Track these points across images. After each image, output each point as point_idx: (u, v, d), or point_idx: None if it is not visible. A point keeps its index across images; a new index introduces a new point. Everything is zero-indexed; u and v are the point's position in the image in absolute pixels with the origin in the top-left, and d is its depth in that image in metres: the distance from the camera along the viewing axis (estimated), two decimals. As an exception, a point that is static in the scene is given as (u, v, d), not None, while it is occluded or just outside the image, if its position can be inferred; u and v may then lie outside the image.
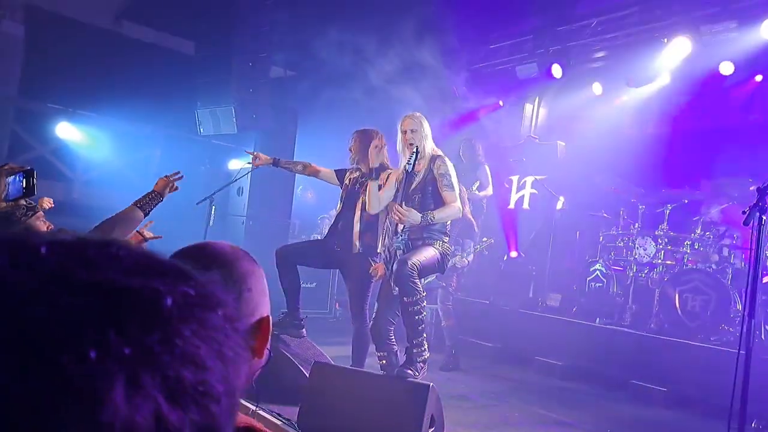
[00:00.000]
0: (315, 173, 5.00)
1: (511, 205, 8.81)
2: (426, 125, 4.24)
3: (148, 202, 3.36)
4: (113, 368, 0.42)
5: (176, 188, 3.50)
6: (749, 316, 2.58)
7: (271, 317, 1.20)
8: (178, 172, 3.50)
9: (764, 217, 2.63)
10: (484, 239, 6.27)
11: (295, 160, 5.21)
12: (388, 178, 4.47)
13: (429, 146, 4.21)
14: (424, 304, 4.05)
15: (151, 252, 0.52)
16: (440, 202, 4.14)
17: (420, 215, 3.96)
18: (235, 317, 0.52)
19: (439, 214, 4.03)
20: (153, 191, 3.41)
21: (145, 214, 3.33)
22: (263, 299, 1.20)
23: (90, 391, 0.41)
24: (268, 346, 1.17)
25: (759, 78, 7.07)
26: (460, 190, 4.45)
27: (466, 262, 6.09)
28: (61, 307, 0.42)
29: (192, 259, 1.17)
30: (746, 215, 2.67)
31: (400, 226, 4.13)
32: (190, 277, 0.50)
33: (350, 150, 4.82)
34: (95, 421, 0.40)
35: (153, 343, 0.44)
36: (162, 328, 0.45)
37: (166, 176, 3.49)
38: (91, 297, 0.44)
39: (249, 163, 6.91)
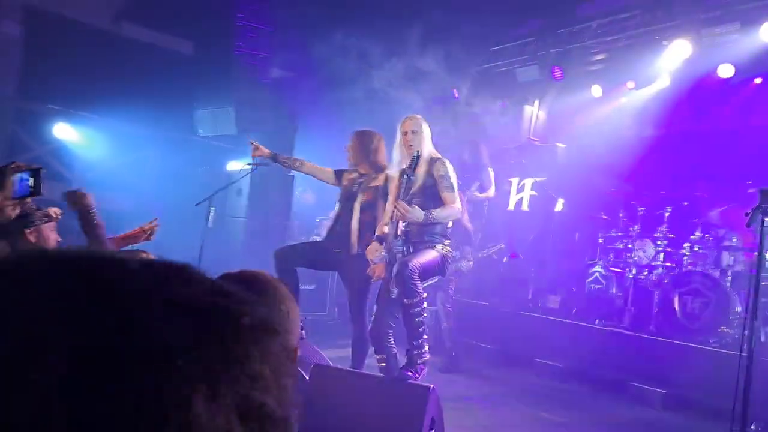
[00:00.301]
0: (313, 171, 4.96)
1: (511, 207, 8.80)
2: (426, 128, 4.24)
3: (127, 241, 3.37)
4: (196, 375, 0.44)
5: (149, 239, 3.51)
6: (752, 315, 2.58)
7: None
8: (156, 219, 3.51)
9: (767, 219, 2.62)
10: (493, 245, 6.25)
11: (294, 157, 5.18)
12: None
13: (428, 149, 4.20)
14: (425, 306, 4.04)
15: (213, 278, 0.54)
16: (440, 204, 4.13)
17: (422, 212, 3.97)
18: (290, 346, 0.56)
19: (440, 213, 4.04)
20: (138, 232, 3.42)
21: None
22: (296, 329, 1.23)
23: (175, 393, 0.43)
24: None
25: (759, 81, 7.06)
26: (459, 197, 4.46)
27: (465, 268, 6.09)
28: (152, 319, 0.46)
29: (245, 285, 1.18)
30: (749, 217, 2.66)
31: (401, 229, 4.12)
32: (255, 302, 0.53)
33: (348, 150, 4.81)
34: (179, 423, 0.43)
35: (231, 358, 0.47)
36: (238, 346, 0.48)
37: (148, 223, 3.51)
38: (183, 313, 0.47)
39: (249, 164, 6.91)
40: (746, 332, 2.73)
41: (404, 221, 4.04)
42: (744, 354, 2.75)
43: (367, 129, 4.88)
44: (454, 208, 4.11)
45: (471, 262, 6.13)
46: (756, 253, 5.35)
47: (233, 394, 0.46)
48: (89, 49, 7.66)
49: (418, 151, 4.07)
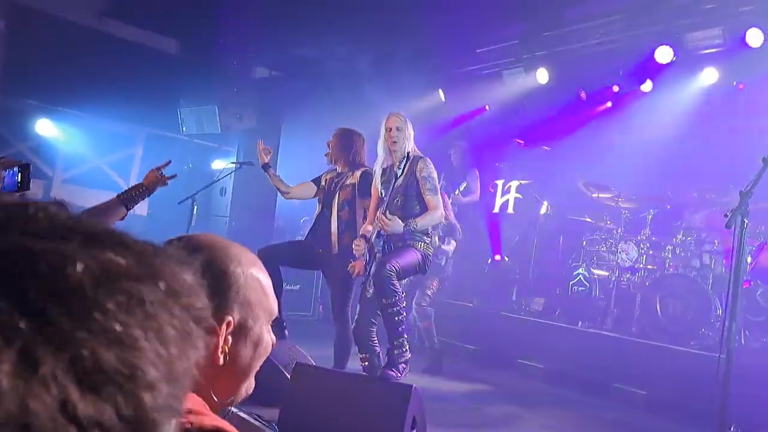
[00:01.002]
0: (298, 194, 4.96)
1: (496, 209, 8.83)
2: (410, 126, 4.23)
3: (134, 197, 3.16)
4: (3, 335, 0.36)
5: (166, 184, 3.32)
6: (730, 318, 2.59)
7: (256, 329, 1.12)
8: (169, 162, 3.31)
9: (746, 221, 2.64)
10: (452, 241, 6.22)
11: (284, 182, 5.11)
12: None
13: (410, 147, 4.18)
14: (404, 305, 4.03)
15: (82, 217, 0.45)
16: (423, 205, 4.12)
17: (402, 224, 3.94)
18: (184, 293, 0.45)
19: (421, 222, 4.02)
20: (141, 185, 3.22)
21: (128, 209, 3.18)
22: (249, 307, 1.11)
23: None
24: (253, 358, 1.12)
25: (741, 86, 7.14)
26: (442, 195, 4.45)
27: (450, 249, 6.05)
28: None
29: (181, 243, 1.12)
30: (728, 218, 2.68)
31: (383, 227, 4.11)
32: (123, 244, 0.44)
33: (328, 146, 4.79)
34: None
35: (58, 315, 0.38)
36: (73, 300, 0.39)
37: (157, 168, 3.30)
38: None
39: (233, 162, 6.86)
40: (724, 334, 2.74)
41: (385, 232, 4.02)
42: (722, 356, 2.76)
43: (352, 128, 4.86)
44: (437, 213, 4.09)
45: (452, 246, 6.12)
46: (733, 251, 5.43)
47: (70, 358, 0.37)
48: (72, 46, 7.57)
49: (408, 153, 4.06)
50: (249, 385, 1.14)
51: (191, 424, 0.88)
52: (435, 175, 4.18)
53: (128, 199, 3.09)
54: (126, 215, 3.15)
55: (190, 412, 0.89)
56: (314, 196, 4.92)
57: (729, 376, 2.75)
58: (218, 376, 1.06)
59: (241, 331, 1.09)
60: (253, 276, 1.13)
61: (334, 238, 4.59)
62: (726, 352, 2.74)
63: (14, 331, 0.36)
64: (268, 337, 1.15)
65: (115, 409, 0.38)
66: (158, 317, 0.42)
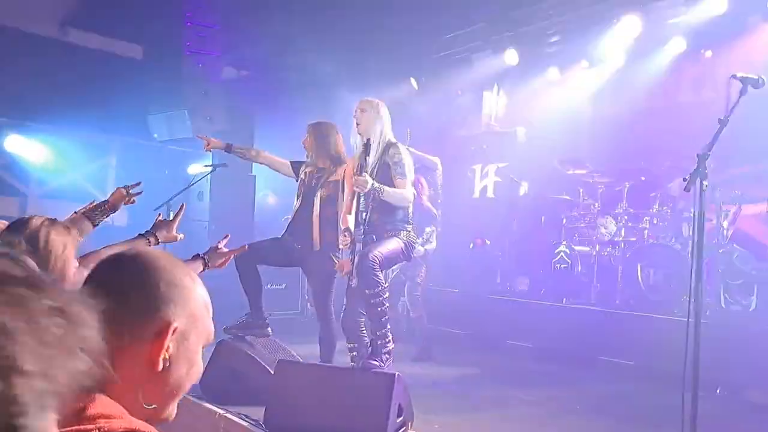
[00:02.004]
0: (270, 162, 4.86)
1: (476, 195, 8.85)
2: (382, 111, 4.19)
3: (98, 214, 3.18)
4: None
5: (133, 201, 3.31)
6: (696, 279, 2.61)
7: (175, 324, 1.09)
8: (139, 183, 3.31)
9: (705, 183, 2.66)
10: (427, 229, 6.17)
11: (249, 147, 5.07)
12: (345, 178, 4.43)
13: (379, 131, 4.15)
14: (387, 295, 4.02)
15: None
16: None
17: (371, 183, 3.92)
18: (71, 315, 0.53)
19: (390, 191, 4.00)
20: (106, 201, 3.23)
21: (94, 225, 3.17)
22: (194, 321, 1.10)
23: None
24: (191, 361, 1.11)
25: (709, 54, 7.18)
26: (417, 180, 4.44)
27: (423, 250, 5.99)
28: None
29: (132, 257, 1.13)
30: (687, 182, 2.70)
31: (363, 216, 4.11)
32: (23, 269, 0.53)
33: (305, 144, 4.74)
34: None
35: None
36: None
37: (124, 187, 3.30)
38: None
39: (207, 165, 6.80)
40: (691, 297, 2.76)
41: (360, 191, 4.01)
42: (691, 319, 2.78)
43: (323, 120, 4.82)
44: (405, 194, 4.07)
45: (434, 244, 6.11)
46: (712, 221, 5.48)
47: None
48: (36, 58, 7.47)
49: (368, 139, 4.04)
50: (172, 411, 1.13)
51: (99, 429, 0.88)
52: (407, 161, 4.15)
53: (94, 216, 3.09)
54: (90, 231, 3.14)
55: (100, 416, 0.89)
56: (289, 175, 4.84)
57: (698, 339, 2.77)
58: (151, 381, 1.05)
59: (182, 343, 1.09)
60: (202, 295, 1.16)
61: (317, 234, 4.56)
62: (695, 314, 2.75)
63: None
64: (200, 363, 1.15)
65: None
66: (40, 322, 0.50)
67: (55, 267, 2.03)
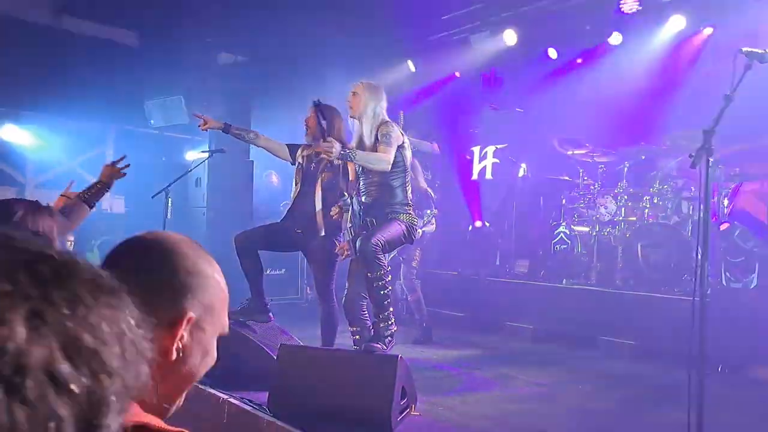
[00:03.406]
0: (268, 145, 4.80)
1: (475, 176, 8.82)
2: (377, 93, 4.15)
3: (93, 195, 3.19)
4: (18, 299, 0.48)
5: (123, 174, 3.35)
6: (702, 257, 2.60)
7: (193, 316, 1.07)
8: (124, 157, 3.36)
9: (711, 159, 2.64)
10: (428, 211, 6.15)
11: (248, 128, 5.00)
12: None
13: (371, 113, 4.11)
14: (389, 278, 4.02)
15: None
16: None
17: (340, 147, 3.87)
18: (140, 323, 0.58)
19: (361, 154, 3.96)
20: (99, 181, 3.25)
21: (91, 207, 3.18)
22: (210, 312, 1.09)
23: None
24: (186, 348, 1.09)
25: (709, 31, 7.12)
26: (413, 163, 4.39)
27: (421, 233, 5.99)
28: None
29: (150, 240, 1.11)
30: (693, 158, 2.68)
31: (364, 198, 4.11)
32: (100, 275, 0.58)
33: (306, 124, 4.68)
34: None
35: (59, 298, 0.50)
36: (69, 290, 0.52)
37: (111, 163, 3.35)
38: (19, 254, 0.52)
39: (204, 151, 6.75)
40: (697, 276, 2.75)
41: (328, 157, 4.00)
42: (697, 298, 2.77)
43: (328, 104, 4.77)
44: (381, 157, 3.96)
45: (433, 226, 6.11)
46: (713, 199, 5.46)
47: (60, 329, 0.49)
48: (31, 47, 7.39)
49: (382, 120, 4.05)
50: (181, 399, 1.11)
51: None
52: (395, 134, 4.08)
53: (90, 197, 3.09)
54: (90, 212, 3.15)
55: None
56: (286, 159, 4.81)
57: (704, 317, 2.76)
58: (163, 370, 1.03)
59: (196, 332, 1.08)
60: (221, 285, 1.13)
61: (320, 218, 4.54)
62: (700, 293, 2.74)
63: (28, 295, 0.49)
64: (214, 353, 1.13)
65: (81, 377, 0.49)
66: (120, 326, 0.55)
67: None
